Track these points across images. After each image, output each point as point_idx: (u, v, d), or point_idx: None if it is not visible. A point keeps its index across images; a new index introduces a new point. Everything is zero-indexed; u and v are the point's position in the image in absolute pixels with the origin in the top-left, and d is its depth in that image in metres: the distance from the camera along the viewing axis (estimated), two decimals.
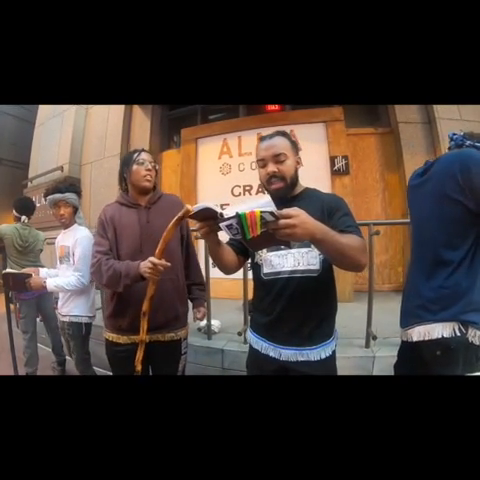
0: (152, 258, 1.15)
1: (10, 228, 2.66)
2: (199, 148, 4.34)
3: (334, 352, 1.09)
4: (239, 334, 2.25)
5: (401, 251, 3.80)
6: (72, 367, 2.11)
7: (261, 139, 1.12)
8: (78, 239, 1.88)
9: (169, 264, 1.18)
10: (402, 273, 3.69)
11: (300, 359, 1.04)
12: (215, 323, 2.48)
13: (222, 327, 2.55)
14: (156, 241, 1.11)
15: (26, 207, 2.81)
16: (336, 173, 3.68)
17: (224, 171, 4.16)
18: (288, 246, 0.89)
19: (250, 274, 1.22)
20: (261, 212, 0.73)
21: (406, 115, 3.76)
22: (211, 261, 1.94)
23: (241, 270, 1.84)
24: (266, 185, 1.09)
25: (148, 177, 1.41)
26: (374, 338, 2.03)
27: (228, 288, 3.17)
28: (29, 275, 1.89)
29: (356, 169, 3.92)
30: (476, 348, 1.07)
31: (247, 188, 4.01)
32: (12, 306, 2.73)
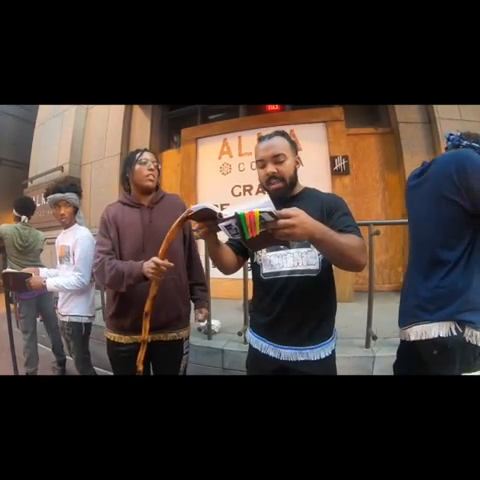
0: (155, 258, 1.15)
1: (10, 228, 2.66)
2: (199, 148, 4.34)
3: (334, 352, 1.10)
4: (239, 334, 2.25)
5: (401, 251, 3.80)
6: (72, 367, 2.12)
7: (260, 139, 1.11)
8: (78, 239, 1.88)
9: (172, 264, 1.18)
10: (402, 273, 3.68)
11: (300, 359, 1.04)
12: (215, 323, 2.48)
13: (222, 327, 2.55)
14: (159, 241, 1.11)
15: (26, 207, 2.81)
16: (336, 173, 3.68)
17: (224, 171, 4.16)
18: (287, 246, 0.89)
19: (250, 274, 1.22)
20: (260, 212, 0.73)
21: (406, 115, 3.75)
22: (211, 261, 1.95)
23: (241, 270, 1.85)
24: (265, 185, 1.09)
25: (151, 177, 1.41)
26: (374, 338, 2.03)
27: (228, 288, 3.17)
28: (29, 275, 1.89)
29: (356, 169, 3.92)
30: (473, 347, 1.08)
31: (247, 188, 4.01)
32: (12, 306, 2.73)
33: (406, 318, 1.22)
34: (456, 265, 1.09)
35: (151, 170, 1.41)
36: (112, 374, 1.51)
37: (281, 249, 1.04)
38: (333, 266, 1.05)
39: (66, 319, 1.90)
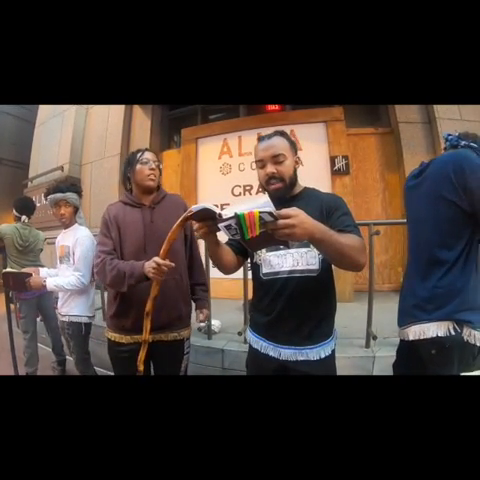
0: (156, 258, 1.15)
1: (10, 228, 2.66)
2: (199, 148, 4.34)
3: (333, 351, 1.10)
4: (239, 334, 2.25)
5: (401, 251, 3.80)
6: (72, 367, 2.12)
7: (259, 139, 1.11)
8: (78, 239, 1.88)
9: (173, 265, 1.18)
10: (402, 273, 3.66)
11: (300, 358, 1.04)
12: (215, 323, 2.48)
13: (222, 327, 2.55)
14: (160, 241, 1.11)
15: (26, 207, 2.82)
16: (336, 173, 3.68)
17: (224, 171, 4.16)
18: (287, 246, 0.89)
19: (250, 274, 1.22)
20: (260, 212, 0.73)
21: (406, 115, 3.76)
22: (211, 261, 1.95)
23: (241, 270, 1.85)
24: (265, 186, 1.09)
25: (152, 176, 1.41)
26: (374, 338, 2.03)
27: (228, 288, 3.17)
28: (29, 274, 1.89)
29: (356, 169, 3.92)
30: (472, 347, 1.08)
31: (247, 188, 4.01)
32: (12, 306, 2.73)
33: (405, 318, 1.23)
34: (454, 265, 1.10)
35: (152, 169, 1.41)
36: (112, 374, 1.51)
37: (281, 249, 1.04)
38: (333, 266, 1.05)
39: (66, 319, 1.91)
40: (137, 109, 5.04)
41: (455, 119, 3.49)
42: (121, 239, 1.38)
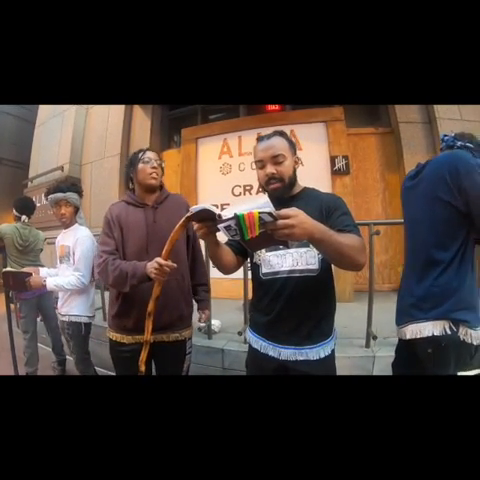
0: (159, 259, 1.15)
1: (10, 227, 2.66)
2: (199, 148, 4.34)
3: (333, 351, 1.10)
4: (239, 334, 2.25)
5: (401, 251, 3.79)
6: (72, 367, 2.12)
7: (259, 140, 1.11)
8: (78, 239, 1.88)
9: (175, 265, 1.17)
10: (402, 273, 3.68)
11: (299, 358, 1.04)
12: (215, 323, 2.48)
13: (222, 327, 2.55)
14: (162, 241, 1.11)
15: (26, 207, 2.82)
16: (336, 173, 3.68)
17: (224, 171, 4.16)
18: (286, 246, 0.89)
19: (250, 274, 1.22)
20: (259, 213, 0.73)
21: (406, 115, 3.76)
22: (210, 261, 1.95)
23: (241, 270, 1.85)
24: (265, 186, 1.09)
25: (154, 175, 1.41)
26: (374, 338, 2.03)
27: (228, 288, 3.17)
28: (29, 274, 1.89)
29: (356, 169, 3.92)
30: (469, 346, 1.09)
31: (247, 188, 4.01)
32: (12, 306, 2.73)
33: (402, 317, 1.24)
34: (450, 265, 1.11)
35: (154, 168, 1.41)
36: (112, 374, 1.51)
37: (280, 249, 1.04)
38: (333, 266, 1.05)
39: (66, 319, 1.91)
40: (137, 109, 5.05)
41: (455, 119, 3.49)
42: (123, 239, 1.38)
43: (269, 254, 1.07)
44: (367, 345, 2.06)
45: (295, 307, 1.04)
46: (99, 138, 5.25)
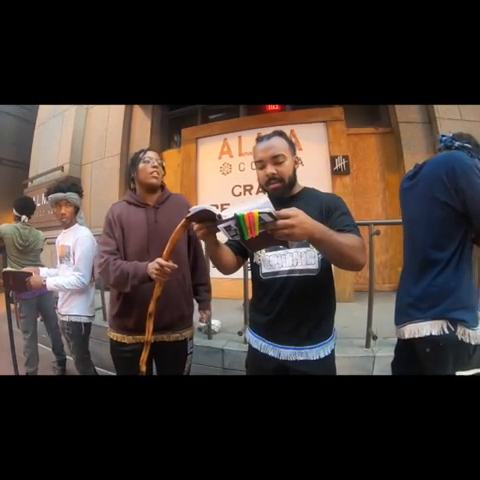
0: (159, 259, 1.15)
1: (10, 227, 2.66)
2: (199, 148, 4.34)
3: (333, 351, 1.10)
4: (239, 334, 2.25)
5: (401, 251, 3.74)
6: (72, 367, 2.12)
7: (258, 140, 1.11)
8: (79, 239, 1.88)
9: (176, 266, 1.17)
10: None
11: (299, 358, 1.04)
12: (215, 323, 2.48)
13: (222, 327, 2.55)
14: (163, 241, 1.11)
15: (26, 207, 2.82)
16: (336, 173, 3.68)
17: (224, 171, 4.16)
18: (286, 246, 0.89)
19: (250, 274, 1.22)
20: (259, 213, 0.73)
21: (406, 115, 3.75)
22: (210, 261, 1.95)
23: (241, 270, 1.85)
24: (265, 186, 1.09)
25: (155, 174, 1.41)
26: (374, 338, 2.03)
27: (228, 288, 3.17)
28: (29, 274, 1.89)
29: (356, 169, 3.92)
30: (467, 346, 1.10)
31: (247, 188, 4.01)
32: (12, 306, 2.73)
33: (401, 317, 1.25)
34: (448, 265, 1.12)
35: (155, 167, 1.41)
36: (112, 374, 1.51)
37: (280, 249, 1.04)
38: (333, 266, 1.05)
39: (66, 319, 1.91)
40: (137, 109, 5.05)
41: (455, 119, 3.49)
42: (124, 239, 1.38)
43: (269, 254, 1.07)
44: (367, 345, 2.06)
45: (295, 307, 1.04)
46: (99, 138, 5.25)
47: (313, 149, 3.75)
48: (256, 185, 3.86)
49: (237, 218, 0.76)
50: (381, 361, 1.88)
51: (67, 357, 2.62)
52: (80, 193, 2.00)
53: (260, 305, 1.12)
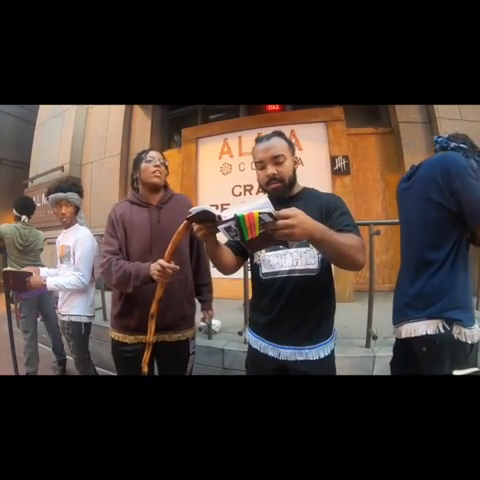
0: (161, 261, 1.15)
1: (10, 227, 2.67)
2: (200, 148, 4.34)
3: (333, 351, 1.10)
4: (239, 334, 2.25)
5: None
6: (72, 367, 2.12)
7: (258, 140, 1.11)
8: (79, 239, 1.88)
9: (178, 267, 1.17)
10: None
11: (299, 358, 1.04)
12: (215, 323, 2.47)
13: (222, 327, 2.55)
14: (166, 241, 1.11)
15: (26, 207, 2.82)
16: (337, 173, 3.68)
17: (225, 171, 4.16)
18: (286, 246, 0.89)
19: (250, 274, 1.22)
20: (259, 213, 0.73)
21: (406, 115, 3.75)
22: (210, 261, 1.95)
23: (241, 270, 1.85)
24: (265, 186, 1.09)
25: (157, 173, 1.40)
26: (374, 338, 2.03)
27: (228, 288, 3.16)
28: (29, 274, 1.89)
29: (357, 169, 3.92)
30: (464, 345, 1.10)
31: (248, 188, 4.01)
32: (12, 306, 2.74)
33: (397, 316, 1.26)
34: (443, 265, 1.13)
35: (157, 166, 1.41)
36: (112, 374, 1.51)
37: (280, 249, 1.04)
38: (333, 266, 1.05)
39: (66, 319, 1.91)
40: (137, 109, 5.05)
41: (455, 119, 3.49)
42: (127, 239, 1.38)
43: (269, 254, 1.07)
44: (367, 345, 2.06)
45: (295, 307, 1.04)
46: (99, 138, 5.25)
47: (313, 149, 3.74)
48: (256, 185, 3.86)
49: (237, 219, 0.76)
50: (381, 361, 1.88)
51: (67, 357, 2.62)
52: (80, 193, 2.01)
53: (260, 305, 1.12)
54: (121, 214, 1.40)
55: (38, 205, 4.41)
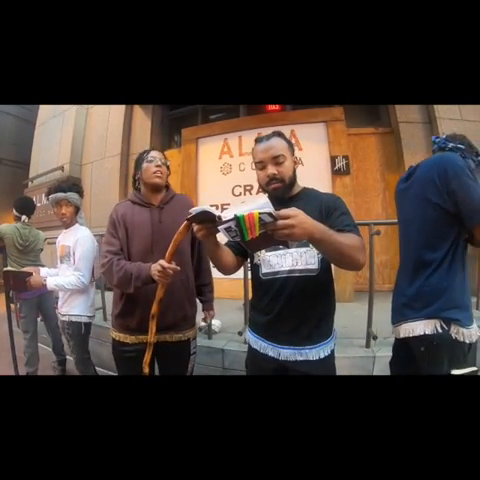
0: (162, 261, 1.14)
1: (10, 227, 2.67)
2: (200, 148, 4.34)
3: (333, 351, 1.10)
4: (239, 334, 2.25)
5: None
6: (72, 367, 2.12)
7: (258, 141, 1.11)
8: (79, 239, 1.89)
9: (179, 268, 1.17)
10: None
11: (299, 358, 1.04)
12: (215, 323, 2.47)
13: (222, 327, 2.55)
14: (167, 241, 1.10)
15: (26, 207, 2.82)
16: (337, 173, 3.67)
17: (225, 171, 4.16)
18: (286, 246, 0.89)
19: (250, 274, 1.22)
20: (259, 213, 0.73)
21: (406, 115, 3.75)
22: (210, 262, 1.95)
23: (241, 270, 1.85)
24: (265, 187, 1.09)
25: (158, 173, 1.40)
26: (374, 338, 2.03)
27: (228, 288, 3.16)
28: (29, 274, 1.89)
29: (357, 169, 3.92)
30: (462, 344, 1.11)
31: (248, 188, 4.01)
32: (12, 306, 2.73)
33: (396, 316, 1.27)
34: (440, 265, 1.13)
35: (158, 166, 1.41)
36: (113, 374, 1.51)
37: (280, 249, 1.04)
38: (333, 266, 1.05)
39: (66, 319, 1.91)
40: (137, 109, 5.05)
41: (455, 119, 3.49)
42: (128, 238, 1.38)
43: (269, 254, 1.07)
44: (367, 345, 2.06)
45: (295, 307, 1.04)
46: (99, 138, 5.25)
47: (313, 149, 3.74)
48: (256, 185, 3.85)
49: (237, 219, 0.75)
50: (381, 361, 1.88)
51: (67, 357, 2.62)
52: (81, 193, 2.01)
53: (260, 305, 1.12)
54: (122, 214, 1.40)
55: (38, 205, 4.41)
